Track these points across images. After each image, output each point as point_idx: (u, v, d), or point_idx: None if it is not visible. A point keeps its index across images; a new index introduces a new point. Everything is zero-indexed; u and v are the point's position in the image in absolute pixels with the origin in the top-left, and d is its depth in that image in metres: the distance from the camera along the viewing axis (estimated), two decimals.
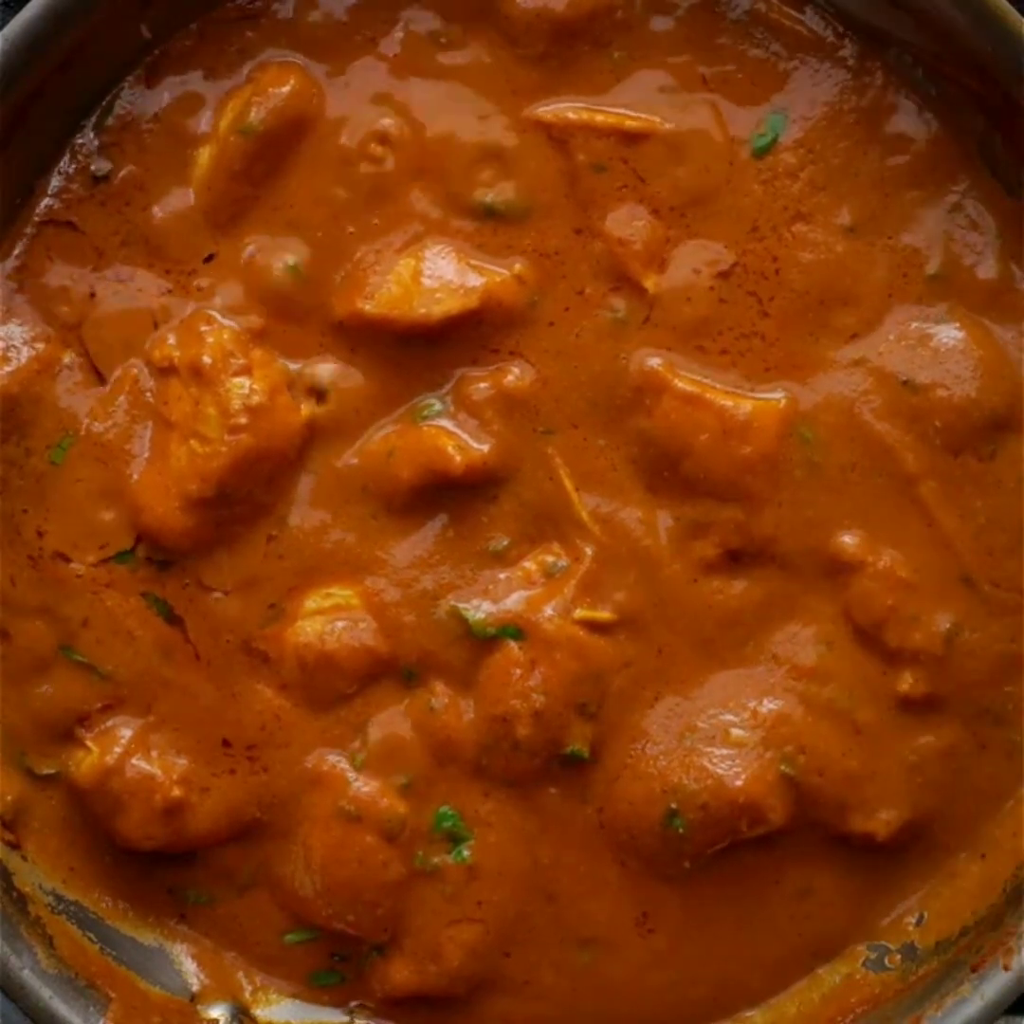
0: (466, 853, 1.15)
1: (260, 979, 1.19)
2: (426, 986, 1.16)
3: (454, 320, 1.11)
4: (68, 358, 1.14)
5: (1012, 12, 1.07)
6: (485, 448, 1.13)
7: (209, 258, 1.14)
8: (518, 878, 1.16)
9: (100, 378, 1.14)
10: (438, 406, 1.13)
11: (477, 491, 1.13)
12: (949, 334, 1.13)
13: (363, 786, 1.14)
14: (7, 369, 1.14)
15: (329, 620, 1.13)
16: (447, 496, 1.13)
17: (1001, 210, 1.14)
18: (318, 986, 1.19)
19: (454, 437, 1.13)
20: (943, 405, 1.13)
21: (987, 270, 1.14)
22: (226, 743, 1.15)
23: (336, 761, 1.15)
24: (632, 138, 1.12)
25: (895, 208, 1.13)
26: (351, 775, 1.15)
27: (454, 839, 1.15)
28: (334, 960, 1.18)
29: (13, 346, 1.15)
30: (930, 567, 1.14)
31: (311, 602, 1.14)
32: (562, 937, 1.17)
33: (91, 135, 1.14)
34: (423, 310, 1.10)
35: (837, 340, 1.14)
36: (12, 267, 1.15)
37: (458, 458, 1.12)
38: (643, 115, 1.13)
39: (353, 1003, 1.19)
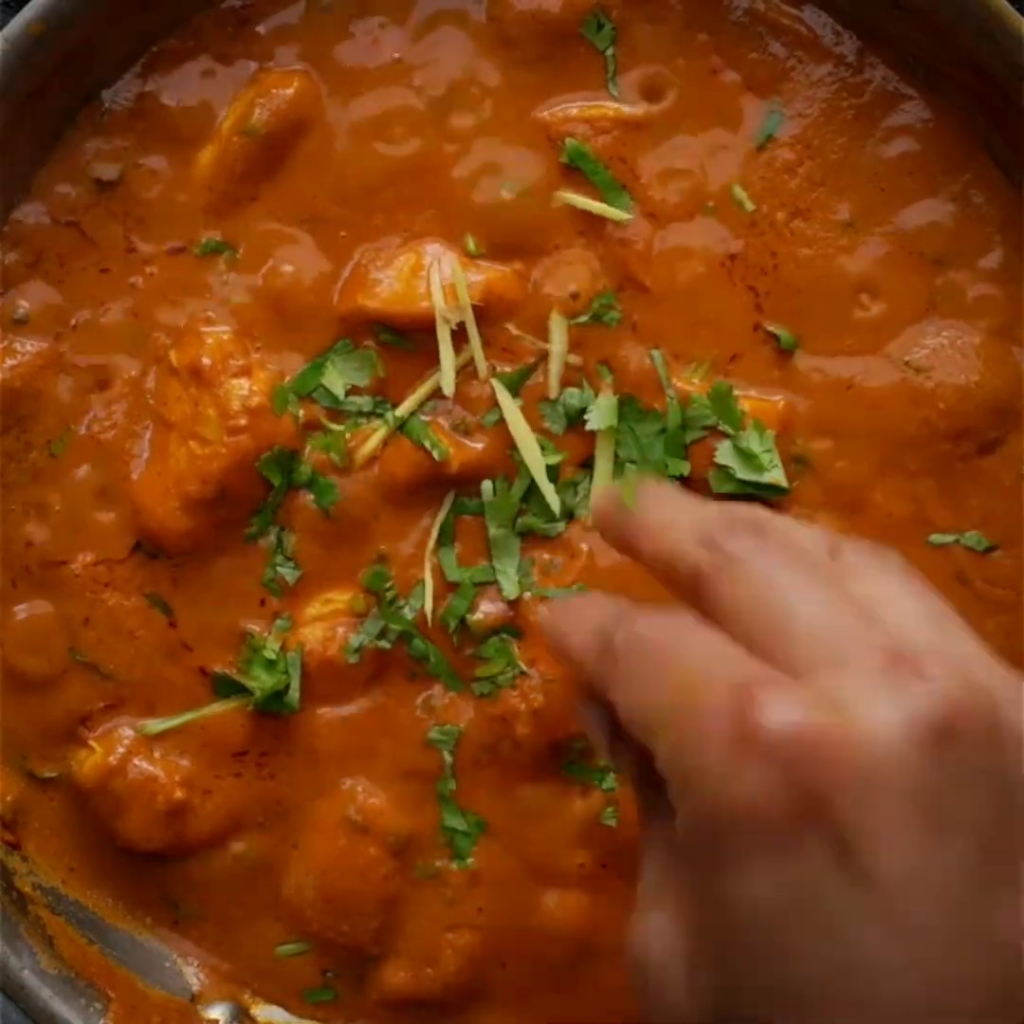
0: (469, 859, 1.15)
1: (253, 993, 1.19)
2: (421, 991, 1.15)
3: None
4: (70, 357, 1.15)
5: (1012, 12, 1.07)
6: (480, 446, 1.13)
7: (204, 253, 1.14)
8: (519, 884, 1.15)
9: (99, 379, 1.15)
10: (432, 403, 1.13)
11: (473, 488, 1.13)
12: (953, 324, 1.13)
13: (371, 797, 1.14)
14: (10, 362, 1.15)
15: (330, 626, 1.13)
16: (443, 494, 1.13)
17: (1004, 202, 1.14)
18: (311, 1004, 1.19)
19: (449, 434, 1.13)
20: (946, 388, 1.13)
21: (990, 261, 1.14)
22: (240, 751, 1.15)
23: (343, 768, 1.15)
24: (630, 138, 1.13)
25: (895, 202, 1.14)
26: (360, 785, 1.15)
27: (457, 844, 1.15)
28: (327, 977, 1.18)
29: (17, 341, 1.15)
30: (923, 565, 1.14)
31: (312, 609, 1.14)
32: (562, 949, 1.16)
33: (91, 135, 1.15)
34: (425, 303, 1.11)
35: (837, 333, 1.14)
36: (13, 266, 1.15)
37: (452, 453, 1.12)
38: (640, 114, 1.13)
39: None
